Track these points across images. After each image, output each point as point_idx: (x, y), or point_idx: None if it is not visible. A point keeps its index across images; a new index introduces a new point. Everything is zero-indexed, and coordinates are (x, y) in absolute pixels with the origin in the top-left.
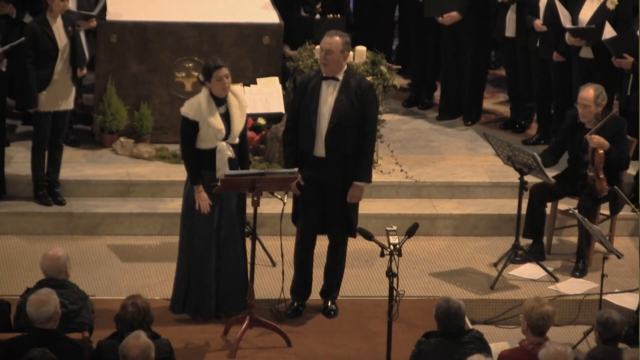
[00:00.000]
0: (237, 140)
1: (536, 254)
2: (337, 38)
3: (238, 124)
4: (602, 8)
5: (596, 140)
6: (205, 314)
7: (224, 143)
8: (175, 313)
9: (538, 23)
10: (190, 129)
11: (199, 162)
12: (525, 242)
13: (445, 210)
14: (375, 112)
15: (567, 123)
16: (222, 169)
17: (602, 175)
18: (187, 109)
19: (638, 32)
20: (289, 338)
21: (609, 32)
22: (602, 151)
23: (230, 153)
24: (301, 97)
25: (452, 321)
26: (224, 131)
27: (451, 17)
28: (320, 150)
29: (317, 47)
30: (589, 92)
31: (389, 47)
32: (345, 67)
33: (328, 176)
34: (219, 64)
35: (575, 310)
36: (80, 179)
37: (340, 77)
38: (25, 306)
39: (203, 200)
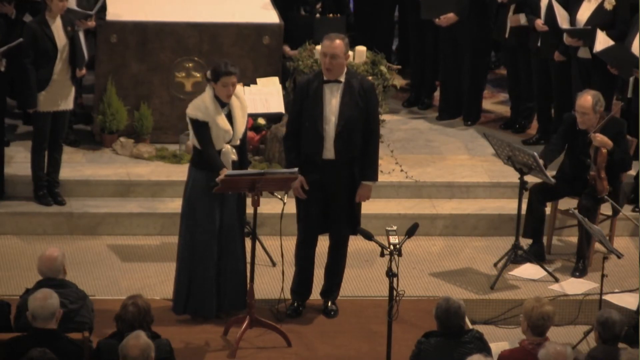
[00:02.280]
0: (237, 141)
1: (536, 254)
2: (339, 41)
3: (240, 125)
4: (600, 8)
5: (599, 138)
6: (208, 314)
7: (228, 146)
8: (177, 314)
9: (539, 23)
10: (204, 130)
11: (204, 164)
12: (525, 242)
13: (445, 210)
14: (377, 111)
15: (566, 126)
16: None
17: (603, 175)
18: (195, 111)
19: (636, 37)
20: (289, 338)
21: (600, 42)
22: (605, 150)
23: (234, 156)
24: (302, 100)
25: (452, 321)
26: (231, 132)
27: (448, 18)
28: (329, 153)
29: (317, 47)
30: (586, 100)
31: (389, 47)
32: (346, 68)
33: (336, 177)
34: (229, 70)
35: (575, 310)
36: (80, 179)
37: (342, 78)
38: (25, 306)
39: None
